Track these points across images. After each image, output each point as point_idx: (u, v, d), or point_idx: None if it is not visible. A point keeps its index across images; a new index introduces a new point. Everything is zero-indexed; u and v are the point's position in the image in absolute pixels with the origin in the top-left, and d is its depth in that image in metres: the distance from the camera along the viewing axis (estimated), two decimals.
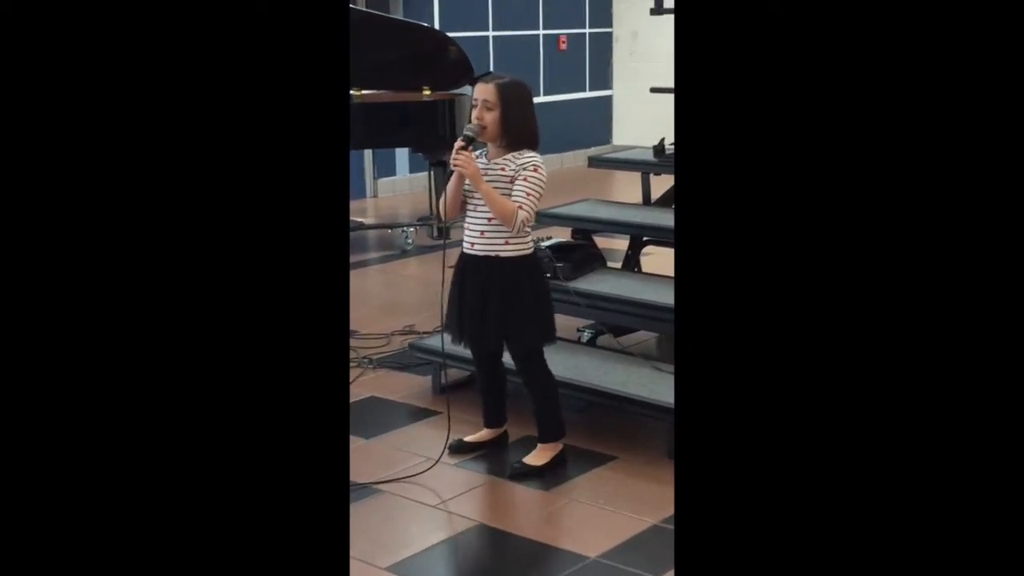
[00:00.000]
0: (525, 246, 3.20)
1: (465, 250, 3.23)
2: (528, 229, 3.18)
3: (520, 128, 3.15)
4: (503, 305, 3.17)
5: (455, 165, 3.09)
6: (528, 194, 3.09)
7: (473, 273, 3.20)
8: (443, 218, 3.29)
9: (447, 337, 3.40)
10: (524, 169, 3.11)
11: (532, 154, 3.15)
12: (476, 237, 3.19)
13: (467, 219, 3.22)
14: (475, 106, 3.14)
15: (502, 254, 3.16)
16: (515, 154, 3.14)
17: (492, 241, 3.16)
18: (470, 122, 3.15)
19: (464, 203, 3.21)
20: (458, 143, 3.11)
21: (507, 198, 3.10)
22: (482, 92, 3.13)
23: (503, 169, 3.13)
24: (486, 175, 3.13)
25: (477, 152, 3.22)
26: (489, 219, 3.13)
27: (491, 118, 3.11)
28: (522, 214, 3.08)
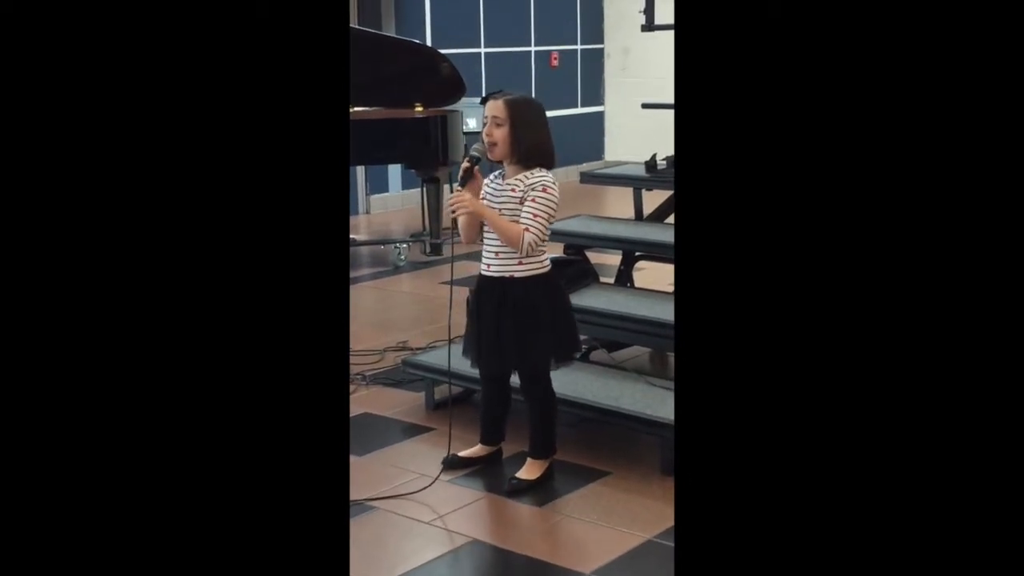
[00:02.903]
0: (540, 266, 3.18)
1: (482, 271, 3.23)
2: (543, 248, 3.17)
3: (532, 144, 3.13)
4: (517, 326, 3.16)
5: (454, 212, 3.11)
6: (535, 215, 3.08)
7: (488, 294, 3.20)
8: (463, 243, 3.30)
9: (466, 360, 3.38)
10: (532, 189, 3.09)
11: (543, 173, 3.13)
12: (492, 258, 3.18)
13: (484, 241, 3.22)
14: (485, 124, 3.14)
15: (516, 274, 3.15)
16: (527, 173, 3.13)
17: (506, 262, 3.15)
18: (481, 141, 3.16)
19: (481, 226, 3.20)
20: (464, 164, 3.13)
21: (514, 221, 3.09)
22: (491, 109, 3.13)
23: (513, 190, 3.12)
24: (499, 196, 3.14)
25: (497, 173, 3.22)
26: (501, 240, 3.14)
27: (500, 134, 3.10)
28: (529, 237, 3.06)
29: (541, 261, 3.18)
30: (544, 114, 3.22)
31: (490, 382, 3.44)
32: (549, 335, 3.21)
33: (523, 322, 3.16)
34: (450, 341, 3.48)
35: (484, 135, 3.14)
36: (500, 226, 3.09)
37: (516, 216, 3.10)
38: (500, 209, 3.13)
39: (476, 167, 3.13)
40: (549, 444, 3.37)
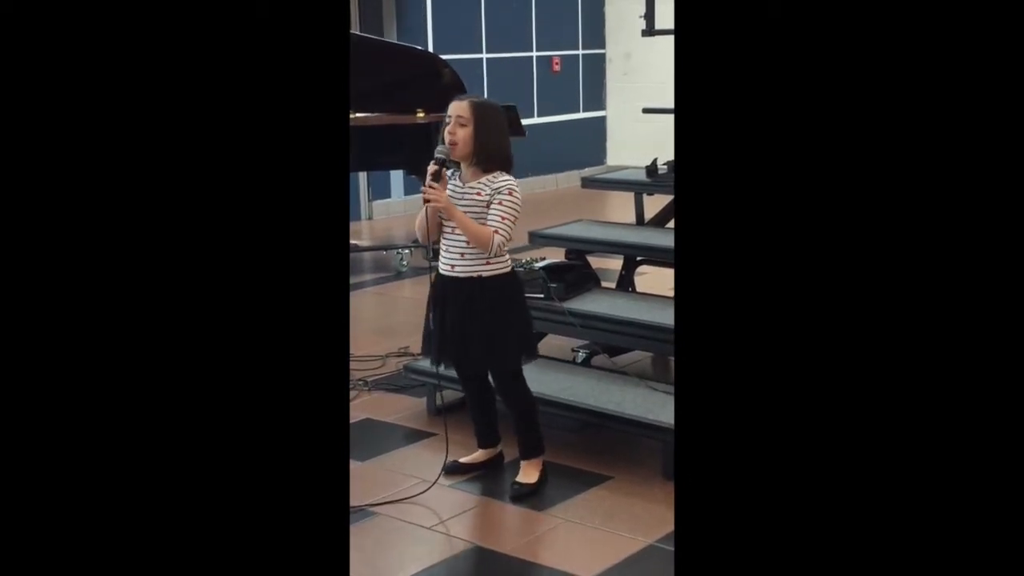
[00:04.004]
0: (504, 265, 3.21)
1: (443, 272, 3.23)
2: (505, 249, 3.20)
3: (494, 148, 3.15)
4: (487, 325, 3.17)
5: (426, 199, 3.11)
6: (503, 218, 3.10)
7: (455, 295, 3.21)
8: (419, 241, 3.30)
9: (427, 360, 3.40)
10: (499, 193, 3.11)
11: (507, 177, 3.16)
12: (457, 259, 3.19)
13: (445, 241, 3.22)
14: (448, 124, 3.15)
15: (484, 274, 3.17)
16: (490, 177, 3.15)
17: (473, 262, 3.16)
18: (442, 143, 3.16)
19: (441, 225, 3.22)
20: (431, 167, 3.12)
21: (482, 223, 3.11)
22: (455, 109, 3.15)
23: (478, 193, 3.14)
24: (462, 199, 3.15)
25: (450, 173, 3.23)
26: (468, 241, 3.14)
27: (463, 134, 3.12)
28: (498, 238, 3.09)
29: (505, 261, 3.22)
30: (505, 120, 3.27)
31: (468, 382, 3.45)
32: (516, 333, 3.25)
33: (493, 321, 3.18)
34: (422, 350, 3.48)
35: (446, 134, 3.15)
36: (470, 228, 3.11)
37: (480, 219, 3.12)
38: (465, 212, 3.14)
39: (443, 168, 3.14)
40: (536, 442, 3.38)
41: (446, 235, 3.21)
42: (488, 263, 3.17)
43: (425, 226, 3.22)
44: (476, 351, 3.21)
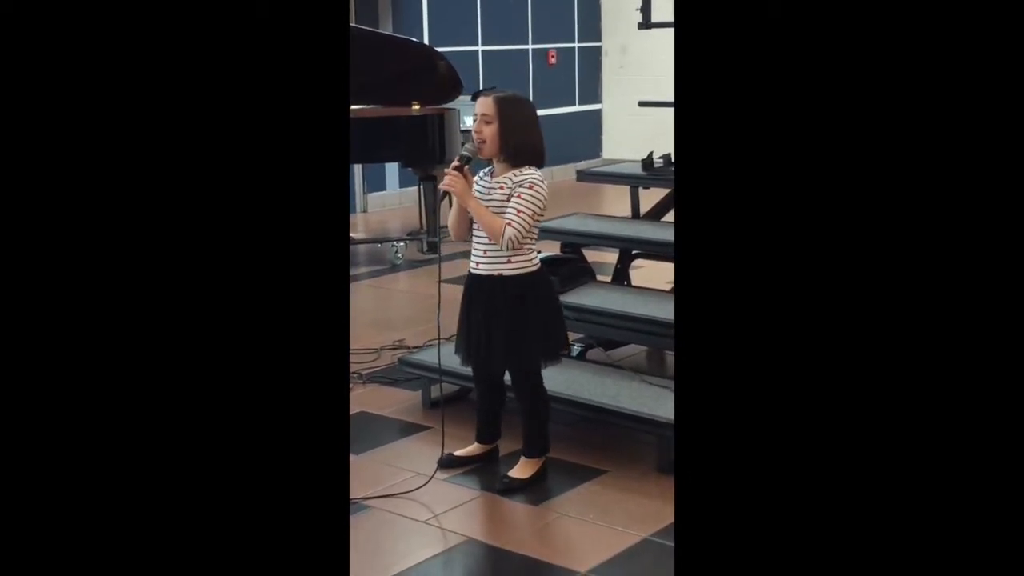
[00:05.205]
0: (530, 264, 3.17)
1: (471, 270, 3.22)
2: (531, 246, 3.17)
3: (521, 142, 3.12)
4: (508, 325, 3.15)
5: (443, 185, 3.10)
6: (519, 211, 3.07)
7: (478, 293, 3.20)
8: (452, 238, 3.29)
9: (456, 358, 3.36)
10: (520, 187, 3.09)
11: (532, 171, 3.12)
12: (480, 256, 3.18)
13: (473, 238, 3.21)
14: (476, 120, 3.14)
15: (505, 272, 3.14)
16: (515, 171, 3.13)
17: (495, 260, 3.15)
18: (470, 141, 3.15)
19: (470, 223, 3.20)
20: (454, 163, 3.12)
21: (498, 215, 3.08)
22: (481, 106, 3.13)
23: (501, 188, 3.12)
24: (488, 194, 3.13)
25: (486, 170, 3.21)
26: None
27: (489, 131, 3.10)
28: (509, 231, 3.05)
29: (530, 259, 3.17)
30: (534, 112, 3.21)
31: (482, 380, 3.43)
32: (538, 334, 3.21)
33: (513, 321, 3.15)
34: (439, 340, 3.47)
35: (473, 132, 3.13)
36: (483, 218, 3.09)
37: (503, 213, 3.09)
38: (488, 207, 3.12)
39: (467, 167, 3.13)
40: (541, 443, 3.37)
41: (474, 232, 3.20)
42: (510, 261, 3.13)
43: (454, 222, 3.22)
44: (497, 350, 3.19)
